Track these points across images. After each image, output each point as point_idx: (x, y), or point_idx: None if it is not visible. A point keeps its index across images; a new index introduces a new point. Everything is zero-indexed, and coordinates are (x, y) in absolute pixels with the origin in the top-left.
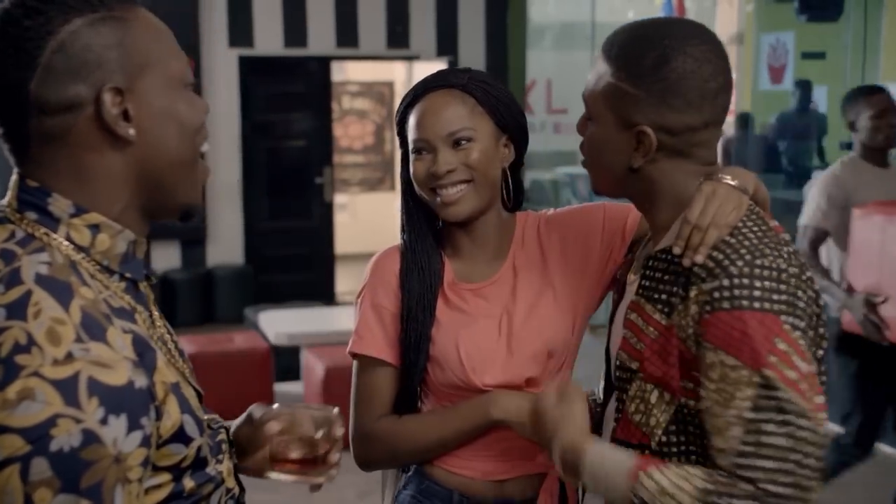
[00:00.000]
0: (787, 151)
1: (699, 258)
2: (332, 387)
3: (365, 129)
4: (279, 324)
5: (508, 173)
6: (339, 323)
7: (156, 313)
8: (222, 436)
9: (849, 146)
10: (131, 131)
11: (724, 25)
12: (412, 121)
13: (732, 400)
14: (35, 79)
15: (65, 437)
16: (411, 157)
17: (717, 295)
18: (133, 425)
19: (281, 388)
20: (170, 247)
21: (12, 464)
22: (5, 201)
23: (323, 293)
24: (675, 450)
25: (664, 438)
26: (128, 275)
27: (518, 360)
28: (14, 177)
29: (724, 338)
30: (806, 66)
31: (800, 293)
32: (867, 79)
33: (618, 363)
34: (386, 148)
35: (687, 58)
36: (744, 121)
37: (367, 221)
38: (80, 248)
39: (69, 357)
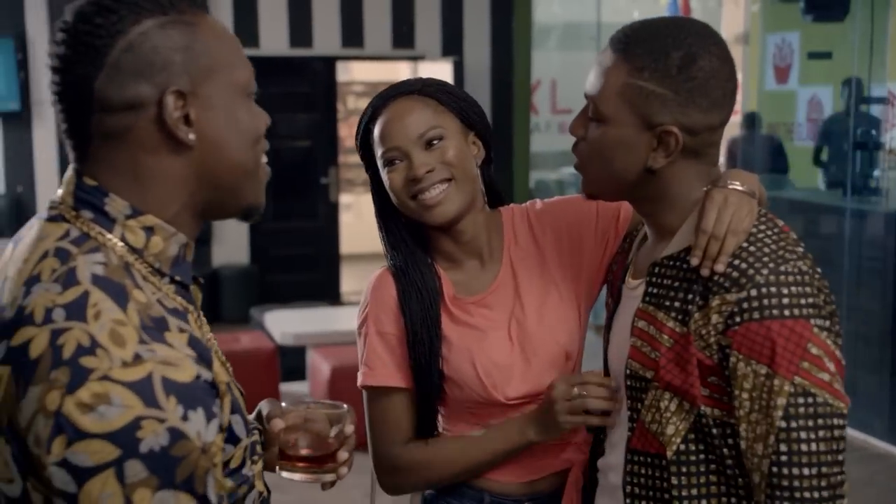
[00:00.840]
0: (833, 156)
1: (720, 267)
2: (338, 386)
3: None
4: (285, 324)
5: (481, 172)
6: (345, 323)
7: (202, 315)
8: (255, 437)
9: (859, 146)
10: (192, 136)
11: (730, 25)
12: (377, 134)
13: (769, 409)
14: (101, 76)
15: (153, 438)
16: (384, 171)
17: (745, 306)
18: (209, 416)
19: (287, 388)
20: None
21: (106, 469)
22: (58, 197)
23: (328, 293)
24: (693, 458)
25: (682, 447)
26: (177, 278)
27: (536, 367)
28: (69, 173)
29: (757, 349)
30: (812, 66)
31: (819, 292)
32: (874, 79)
33: (629, 372)
34: None
35: (712, 57)
36: (750, 121)
37: (371, 221)
38: (133, 250)
39: (138, 358)
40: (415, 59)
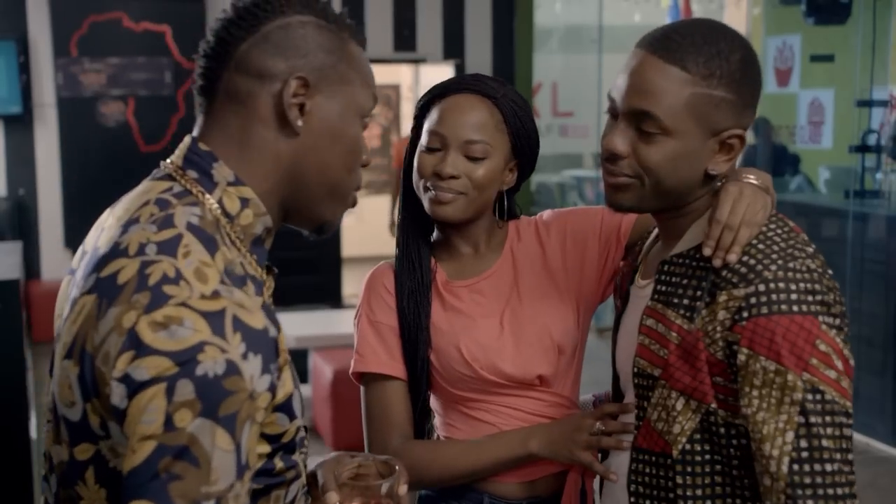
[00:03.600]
0: None
1: (733, 257)
2: (341, 389)
3: (371, 131)
4: (287, 327)
5: (505, 195)
6: (347, 326)
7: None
8: (302, 433)
9: (859, 149)
10: (300, 122)
11: None
12: (436, 112)
13: (781, 405)
14: (249, 40)
15: (210, 364)
16: (421, 147)
17: (753, 301)
18: (265, 368)
19: None
20: None
21: (158, 383)
22: (170, 159)
23: (330, 296)
24: (698, 458)
25: (688, 447)
26: (254, 257)
27: (527, 355)
28: (186, 139)
29: (766, 344)
30: (813, 68)
31: (829, 291)
32: (876, 82)
33: (636, 370)
34: (392, 151)
35: (755, 59)
36: (761, 125)
37: (373, 224)
38: (226, 214)
39: (216, 294)
40: (416, 61)
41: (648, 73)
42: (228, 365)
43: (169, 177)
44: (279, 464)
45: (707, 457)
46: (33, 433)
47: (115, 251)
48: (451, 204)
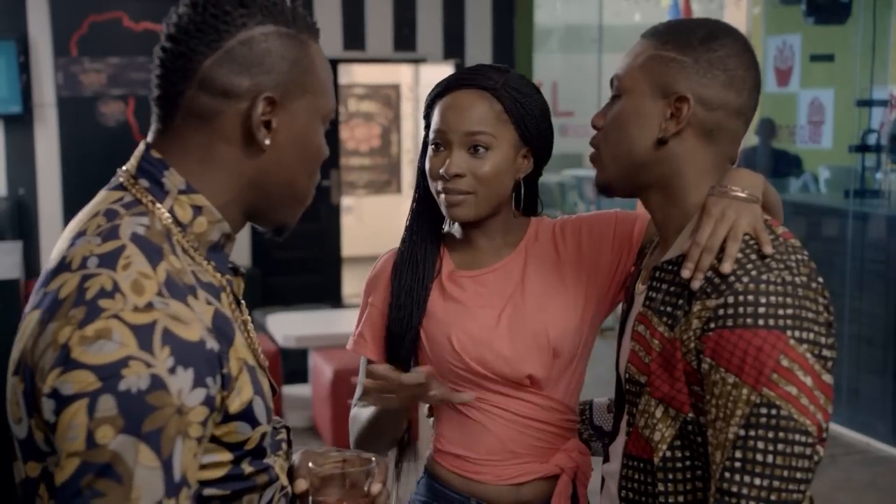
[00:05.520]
0: None
1: (727, 267)
2: (340, 389)
3: (371, 131)
4: (287, 326)
5: (522, 183)
6: (347, 325)
7: (243, 304)
8: (282, 435)
9: (859, 149)
10: (267, 141)
11: None
12: (436, 112)
13: (732, 417)
14: (213, 57)
15: (134, 379)
16: (429, 148)
17: (721, 312)
18: (198, 382)
19: (289, 390)
20: None
21: (81, 399)
22: (126, 166)
23: (330, 295)
24: (679, 465)
25: (668, 454)
26: (211, 263)
27: (520, 351)
28: (140, 146)
29: (726, 356)
30: (813, 68)
31: (807, 303)
32: (876, 82)
33: (627, 376)
34: (392, 150)
35: (735, 41)
36: (765, 127)
37: (373, 224)
38: (178, 223)
39: (149, 306)
40: (416, 61)
41: (631, 50)
42: (153, 380)
43: (122, 186)
44: (248, 468)
45: (687, 463)
46: None
47: (61, 265)
48: (462, 206)
